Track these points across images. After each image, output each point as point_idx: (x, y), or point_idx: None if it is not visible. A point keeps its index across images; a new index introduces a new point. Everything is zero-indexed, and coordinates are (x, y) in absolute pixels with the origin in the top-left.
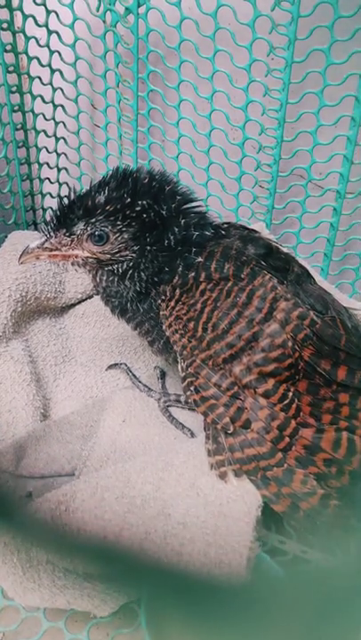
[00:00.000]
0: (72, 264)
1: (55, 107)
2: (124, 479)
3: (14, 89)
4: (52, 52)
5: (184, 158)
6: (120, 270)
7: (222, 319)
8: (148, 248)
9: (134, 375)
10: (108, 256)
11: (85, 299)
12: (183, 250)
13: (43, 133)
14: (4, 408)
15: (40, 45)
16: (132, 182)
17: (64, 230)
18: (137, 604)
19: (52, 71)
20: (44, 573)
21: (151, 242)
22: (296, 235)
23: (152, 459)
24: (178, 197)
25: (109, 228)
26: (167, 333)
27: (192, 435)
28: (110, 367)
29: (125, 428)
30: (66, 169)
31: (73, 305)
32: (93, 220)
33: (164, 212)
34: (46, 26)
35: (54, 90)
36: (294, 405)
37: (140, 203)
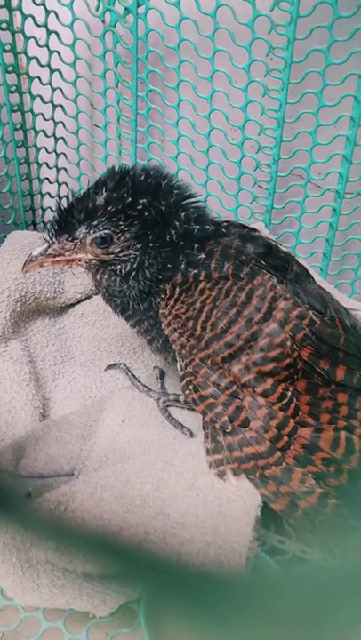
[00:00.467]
0: (75, 267)
1: (54, 107)
2: (123, 479)
3: (13, 89)
4: (51, 52)
5: (183, 158)
6: (124, 271)
7: (221, 318)
8: (151, 245)
9: (133, 375)
10: (112, 256)
11: (84, 299)
12: (185, 245)
13: (42, 133)
14: (3, 408)
15: (39, 45)
16: (130, 181)
17: (66, 235)
18: (136, 603)
19: (52, 71)
20: (43, 573)
21: (154, 239)
22: (295, 235)
23: (151, 459)
24: (175, 192)
25: (112, 229)
26: (166, 332)
27: (191, 435)
28: (109, 367)
29: (125, 428)
30: (65, 169)
31: (72, 305)
32: (95, 222)
33: (163, 208)
34: (45, 26)
35: (53, 90)
36: (293, 405)
37: (140, 201)
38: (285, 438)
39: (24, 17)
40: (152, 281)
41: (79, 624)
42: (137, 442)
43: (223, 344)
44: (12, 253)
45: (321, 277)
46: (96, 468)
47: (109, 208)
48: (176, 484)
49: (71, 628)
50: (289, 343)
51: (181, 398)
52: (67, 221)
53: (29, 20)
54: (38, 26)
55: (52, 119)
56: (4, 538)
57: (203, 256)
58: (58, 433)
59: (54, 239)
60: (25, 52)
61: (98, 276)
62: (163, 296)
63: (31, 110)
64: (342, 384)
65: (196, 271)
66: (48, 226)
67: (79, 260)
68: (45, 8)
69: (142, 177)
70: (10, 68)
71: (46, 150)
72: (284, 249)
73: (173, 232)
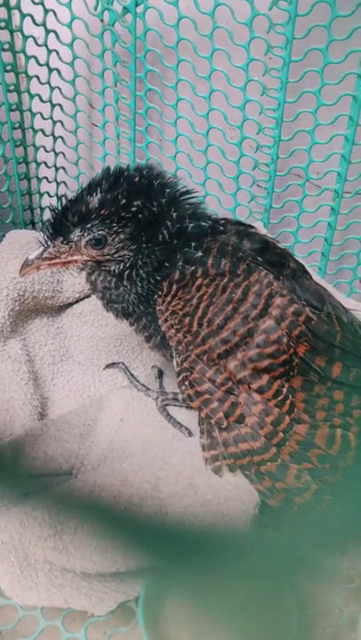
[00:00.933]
0: (71, 268)
1: (53, 106)
2: (121, 478)
3: (12, 88)
4: (49, 51)
5: (182, 158)
6: (117, 270)
7: (217, 315)
8: (145, 245)
9: (132, 374)
10: (108, 257)
11: (83, 298)
12: (182, 243)
13: (40, 132)
14: (1, 407)
15: (38, 44)
16: (124, 182)
17: (61, 238)
18: (134, 602)
19: (50, 70)
20: (41, 572)
21: (147, 239)
22: (294, 234)
23: (150, 458)
24: (167, 190)
25: (106, 230)
26: (163, 328)
27: (190, 434)
28: (108, 366)
29: (123, 427)
30: (64, 168)
31: (71, 304)
32: (89, 224)
33: (155, 209)
34: (44, 25)
35: (52, 89)
36: (288, 401)
37: (134, 203)
38: (281, 435)
39: (22, 16)
40: (149, 281)
41: (77, 623)
42: (135, 441)
43: (219, 340)
44: (10, 253)
45: (319, 277)
46: (94, 467)
47: (103, 211)
48: (174, 482)
49: (69, 627)
50: (285, 340)
51: (180, 397)
52: (61, 224)
53: (28, 18)
54: (37, 25)
55: (51, 118)
56: (2, 536)
57: (200, 253)
58: (56, 432)
59: (49, 242)
60: (23, 51)
61: (92, 278)
62: (160, 293)
63: (30, 109)
64: (338, 381)
65: (193, 268)
66: (43, 229)
67: (75, 261)
68: (44, 7)
69: (136, 178)
70: (8, 67)
71: (45, 149)
72: (281, 246)
73: (165, 231)
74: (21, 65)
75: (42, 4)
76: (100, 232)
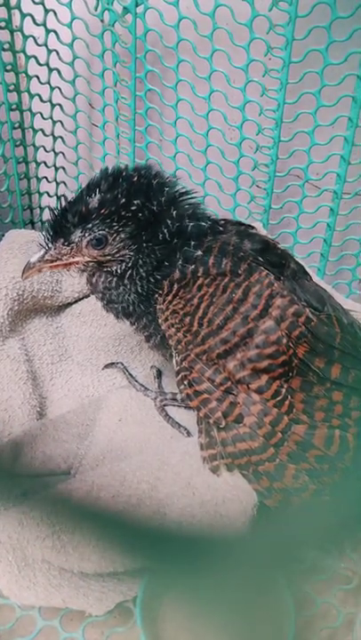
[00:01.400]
0: (73, 270)
1: (53, 105)
2: (119, 478)
3: (12, 87)
4: (50, 51)
5: (181, 158)
6: (119, 270)
7: (218, 315)
8: (145, 244)
9: (131, 374)
10: (109, 257)
11: (82, 298)
12: (181, 243)
13: (40, 132)
14: (0, 407)
15: (38, 44)
16: (124, 182)
17: (62, 240)
18: (132, 602)
19: (50, 70)
20: (39, 572)
21: (147, 238)
22: (293, 235)
23: (148, 458)
24: (166, 189)
25: (106, 230)
26: (163, 327)
27: (188, 434)
28: (107, 366)
29: (122, 427)
30: (63, 168)
31: (70, 304)
32: (90, 225)
33: (155, 207)
34: (44, 25)
35: (52, 89)
36: (287, 402)
37: (134, 202)
38: (279, 435)
39: (23, 15)
40: (148, 281)
41: (75, 623)
42: (134, 441)
43: (219, 340)
44: (9, 252)
45: (318, 277)
46: (93, 467)
47: (103, 210)
48: (173, 483)
49: (67, 627)
50: (285, 340)
51: (178, 397)
52: (62, 226)
53: (28, 18)
54: (37, 25)
55: (51, 118)
56: (0, 536)
57: (199, 253)
58: (55, 432)
59: (50, 244)
60: (24, 51)
61: (93, 280)
62: (160, 292)
63: (29, 109)
64: (338, 382)
65: (193, 267)
66: (43, 232)
67: (76, 263)
68: (44, 7)
69: (135, 178)
70: (8, 67)
71: (44, 149)
72: (281, 247)
73: (166, 230)
74: (21, 65)
75: (42, 3)
76: (100, 232)
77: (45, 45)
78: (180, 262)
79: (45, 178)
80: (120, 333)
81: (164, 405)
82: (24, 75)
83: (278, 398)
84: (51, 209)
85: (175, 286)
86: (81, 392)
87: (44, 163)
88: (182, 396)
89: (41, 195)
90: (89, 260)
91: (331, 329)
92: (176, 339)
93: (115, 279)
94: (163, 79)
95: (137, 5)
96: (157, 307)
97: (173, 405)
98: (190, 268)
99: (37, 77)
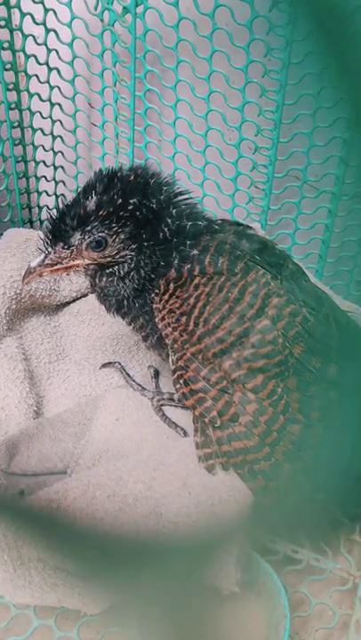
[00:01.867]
0: (74, 272)
1: (52, 105)
2: (116, 477)
3: (11, 86)
4: (49, 51)
5: (180, 158)
6: (122, 272)
7: (214, 314)
8: (145, 244)
9: (128, 374)
10: (109, 259)
11: (80, 297)
12: (178, 242)
13: (39, 131)
14: None
15: (38, 43)
16: (119, 182)
17: (61, 243)
18: (127, 602)
19: (50, 69)
20: (34, 571)
21: (147, 237)
22: (291, 236)
23: (144, 457)
24: (164, 188)
25: (106, 232)
26: (159, 326)
27: (185, 434)
28: (104, 366)
29: (118, 426)
30: (62, 167)
31: (67, 303)
32: (89, 227)
33: (154, 206)
34: (44, 24)
35: (51, 88)
36: (283, 401)
37: (131, 201)
38: (275, 434)
39: (22, 15)
40: (145, 279)
41: (70, 622)
42: (130, 440)
43: (215, 339)
44: (7, 251)
45: (316, 279)
46: (89, 467)
47: (101, 212)
48: (169, 483)
49: (62, 626)
50: (281, 340)
51: (175, 397)
52: (60, 229)
53: (28, 17)
54: (37, 24)
55: (50, 117)
56: None
57: (196, 252)
58: (51, 431)
59: (50, 248)
60: (23, 50)
61: (96, 280)
62: (157, 291)
63: (29, 108)
64: (334, 382)
65: (189, 266)
66: (42, 236)
67: (77, 266)
68: (44, 6)
69: (131, 177)
70: (8, 66)
71: (44, 148)
72: (280, 248)
73: (166, 229)
74: (21, 64)
75: (42, 3)
76: (100, 234)
77: (45, 44)
78: (176, 261)
79: (44, 177)
80: (118, 333)
81: (162, 405)
82: (23, 74)
83: (274, 398)
84: (49, 212)
85: (172, 285)
86: (78, 391)
87: (43, 162)
88: (178, 395)
89: (40, 194)
90: (89, 262)
91: (328, 329)
92: (172, 338)
93: (116, 279)
94: (162, 79)
95: (137, 5)
96: (154, 306)
97: (170, 405)
98: (187, 267)
99: (37, 76)
